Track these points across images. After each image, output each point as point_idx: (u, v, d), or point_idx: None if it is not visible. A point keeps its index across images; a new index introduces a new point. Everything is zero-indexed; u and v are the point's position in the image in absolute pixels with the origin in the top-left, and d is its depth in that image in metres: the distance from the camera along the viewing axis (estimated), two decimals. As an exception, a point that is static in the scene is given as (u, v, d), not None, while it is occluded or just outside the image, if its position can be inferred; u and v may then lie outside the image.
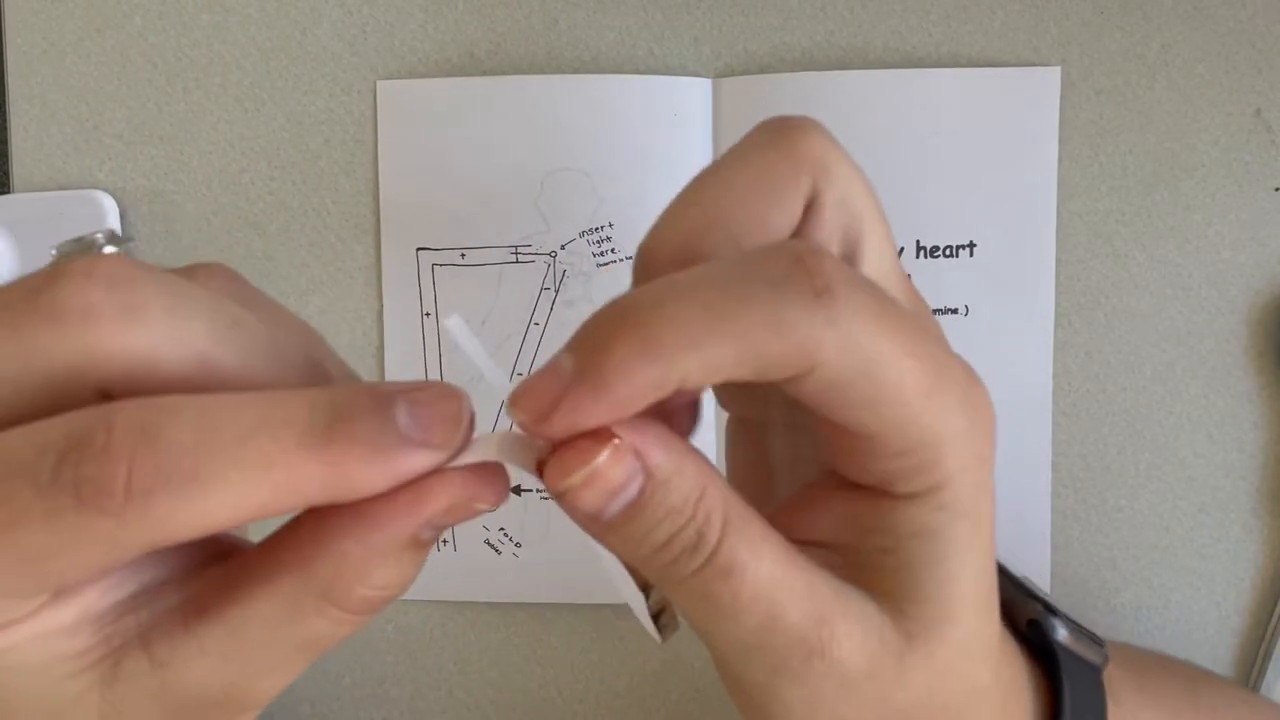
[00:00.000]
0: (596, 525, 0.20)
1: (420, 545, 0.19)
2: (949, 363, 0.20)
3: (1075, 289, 0.44)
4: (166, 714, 0.20)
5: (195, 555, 0.21)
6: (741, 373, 0.19)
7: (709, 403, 0.26)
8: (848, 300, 0.19)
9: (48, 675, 0.19)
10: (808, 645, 0.20)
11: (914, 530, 0.21)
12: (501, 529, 0.45)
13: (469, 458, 0.19)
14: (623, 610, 0.45)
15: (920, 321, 0.20)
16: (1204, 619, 0.45)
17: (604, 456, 0.19)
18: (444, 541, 0.45)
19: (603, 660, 0.46)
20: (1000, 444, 0.45)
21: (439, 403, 0.18)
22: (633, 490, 0.19)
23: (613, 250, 0.44)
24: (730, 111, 0.43)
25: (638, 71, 0.44)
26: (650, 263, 0.22)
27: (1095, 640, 0.29)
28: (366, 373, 0.45)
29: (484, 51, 0.44)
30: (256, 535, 0.21)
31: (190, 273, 0.22)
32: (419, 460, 0.18)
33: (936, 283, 0.43)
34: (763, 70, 0.44)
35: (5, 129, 0.46)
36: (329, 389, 0.18)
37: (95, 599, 0.19)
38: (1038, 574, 0.44)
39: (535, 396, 0.18)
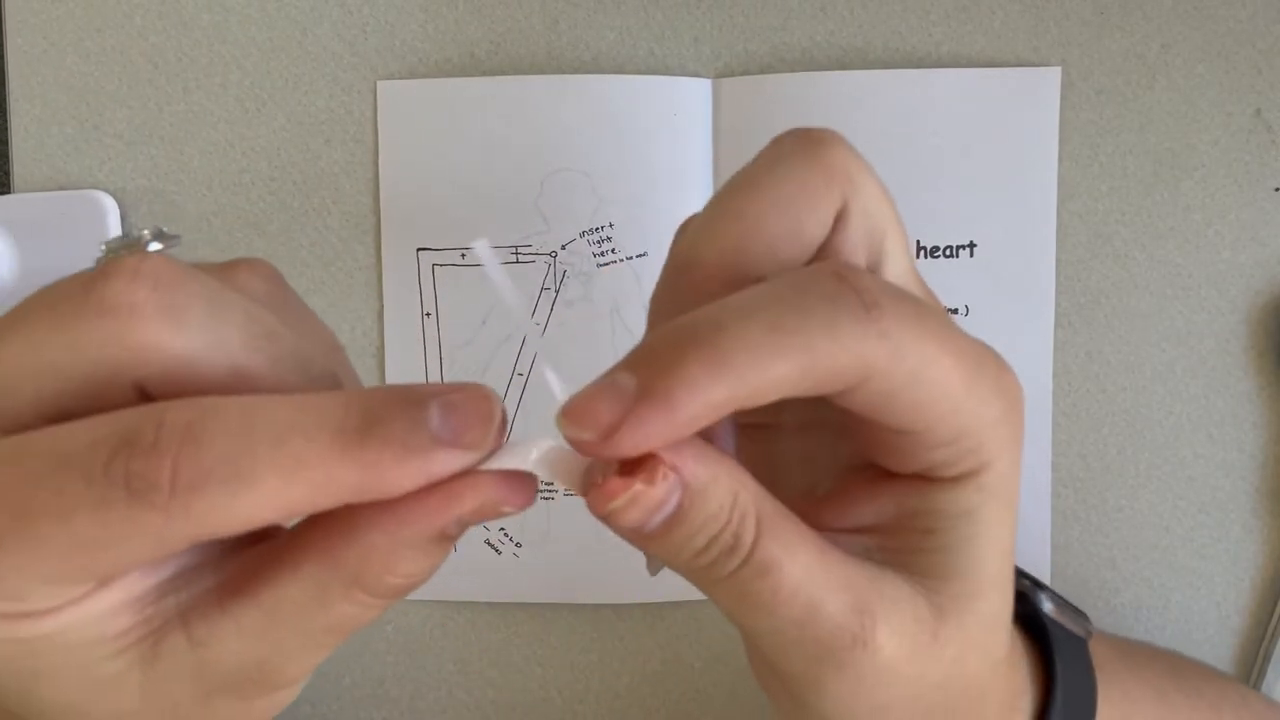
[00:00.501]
0: (637, 536, 0.20)
1: (446, 538, 0.20)
2: (981, 353, 0.21)
3: (1075, 289, 0.44)
4: (204, 691, 0.20)
5: (231, 539, 0.21)
6: (801, 388, 0.19)
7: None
8: (894, 312, 0.20)
9: (93, 654, 0.20)
10: (849, 634, 0.21)
11: (956, 511, 0.22)
12: (502, 529, 0.45)
13: (505, 462, 0.20)
14: (623, 610, 0.45)
15: (948, 318, 0.21)
16: (1204, 619, 0.45)
17: (638, 486, 0.19)
18: (444, 541, 0.45)
19: (603, 660, 0.46)
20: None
21: (471, 405, 0.19)
22: (672, 504, 0.20)
23: (613, 250, 0.44)
24: (730, 111, 0.43)
25: (638, 71, 0.44)
26: (694, 269, 0.22)
27: (1079, 613, 0.30)
28: (366, 372, 0.45)
29: (484, 51, 0.44)
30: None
31: (233, 268, 0.23)
32: (450, 461, 0.19)
33: (936, 283, 0.43)
34: (763, 70, 0.44)
35: (5, 129, 0.46)
36: (364, 391, 0.19)
37: (137, 581, 0.20)
38: (1038, 574, 0.44)
39: (596, 414, 0.18)
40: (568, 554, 0.44)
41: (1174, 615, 0.45)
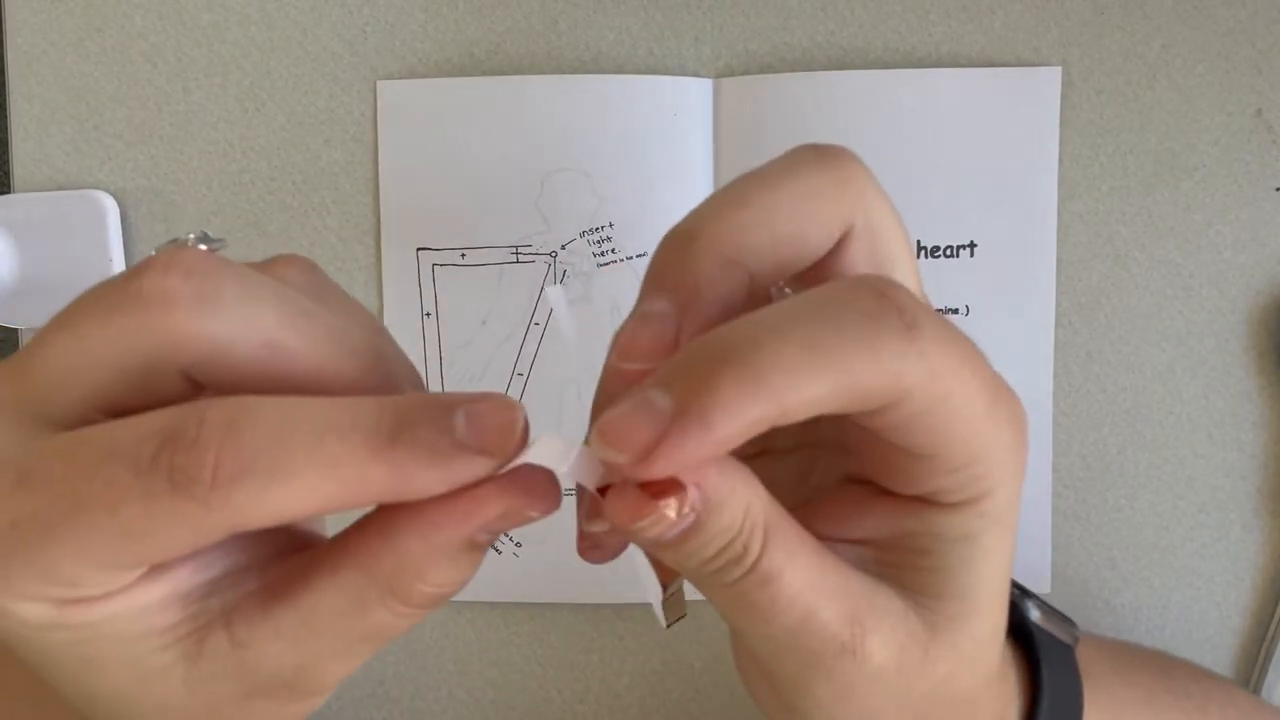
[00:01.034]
0: (652, 546, 0.21)
1: (476, 547, 0.21)
2: (998, 382, 0.21)
3: (1075, 289, 0.44)
4: (243, 691, 0.21)
5: (275, 544, 0.22)
6: (835, 406, 0.19)
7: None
8: (933, 334, 0.20)
9: (140, 646, 0.21)
10: (840, 642, 0.21)
11: (955, 536, 0.22)
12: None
13: (530, 457, 0.20)
14: (623, 610, 0.45)
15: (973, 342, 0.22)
16: (1204, 619, 0.45)
17: (660, 510, 0.19)
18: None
19: (603, 660, 0.46)
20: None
21: (496, 413, 0.20)
22: (690, 518, 0.20)
23: (613, 250, 0.44)
24: (730, 111, 0.43)
25: (638, 71, 0.44)
26: (693, 241, 0.22)
27: (1066, 620, 0.30)
28: (366, 373, 0.45)
29: (484, 51, 0.44)
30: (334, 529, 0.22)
31: (269, 265, 0.24)
32: (475, 466, 0.20)
33: (936, 283, 0.43)
34: (763, 70, 0.44)
35: (5, 129, 0.46)
36: (395, 398, 0.20)
37: (185, 579, 0.21)
38: (1038, 574, 0.44)
39: (631, 435, 0.19)
40: (568, 554, 0.44)
41: (1174, 615, 0.45)
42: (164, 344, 0.20)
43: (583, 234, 0.44)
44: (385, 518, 0.21)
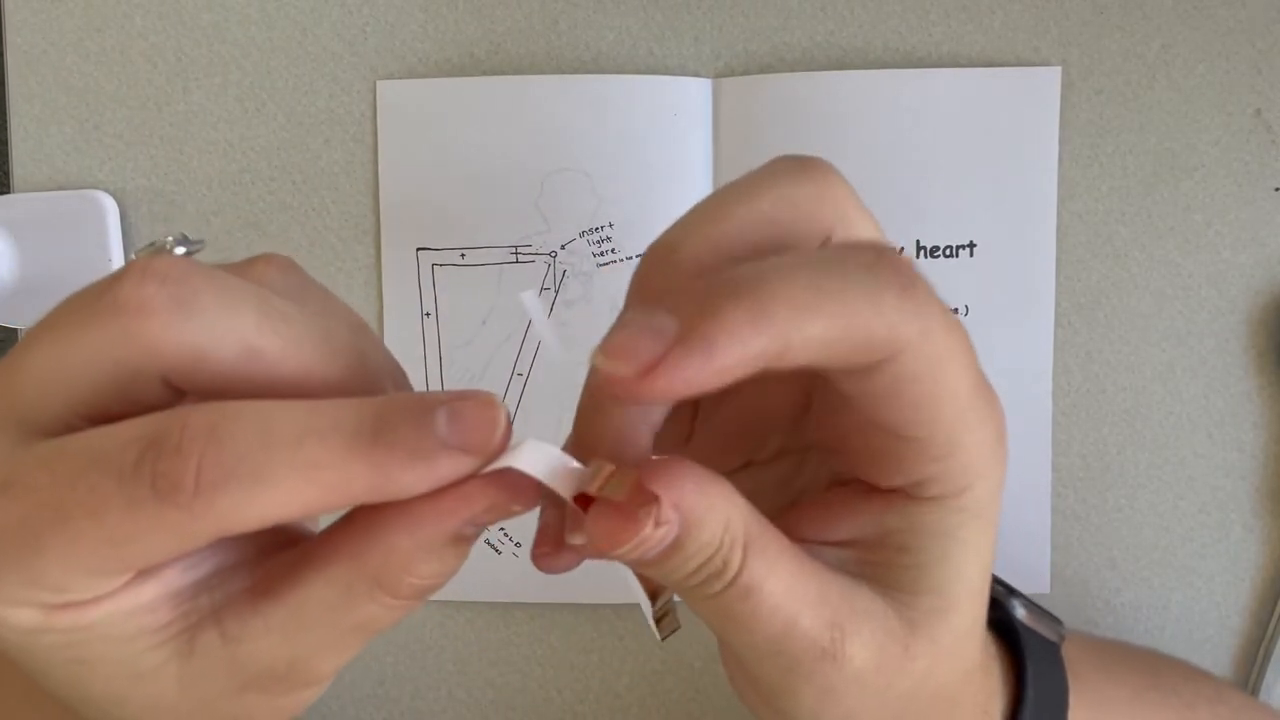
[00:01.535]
0: (633, 564, 0.21)
1: (463, 540, 0.21)
2: (981, 371, 0.22)
3: (1075, 289, 0.44)
4: (236, 685, 0.21)
5: (264, 541, 0.22)
6: (834, 353, 0.19)
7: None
8: (927, 296, 0.20)
9: (132, 646, 0.21)
10: (820, 648, 0.22)
11: (934, 531, 0.22)
12: (501, 529, 0.45)
13: (512, 461, 0.20)
14: (623, 610, 0.45)
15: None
16: (1204, 619, 0.45)
17: (646, 529, 0.20)
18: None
19: (603, 660, 0.46)
20: (1000, 444, 0.45)
21: (477, 411, 0.20)
22: (670, 537, 0.20)
23: (613, 250, 0.44)
24: (730, 111, 0.43)
25: (638, 71, 0.44)
26: (675, 252, 0.22)
27: (1052, 618, 0.30)
28: (366, 373, 0.45)
29: (484, 51, 0.44)
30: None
31: (249, 265, 0.23)
32: (456, 465, 0.20)
33: (936, 283, 0.43)
34: (763, 70, 0.44)
35: (5, 129, 0.46)
36: (376, 399, 0.20)
37: (174, 578, 0.21)
38: (1038, 574, 0.44)
39: (634, 350, 0.19)
40: (568, 554, 0.44)
41: (1174, 615, 0.45)
42: (142, 352, 0.20)
43: (582, 234, 0.44)
44: (371, 513, 0.21)
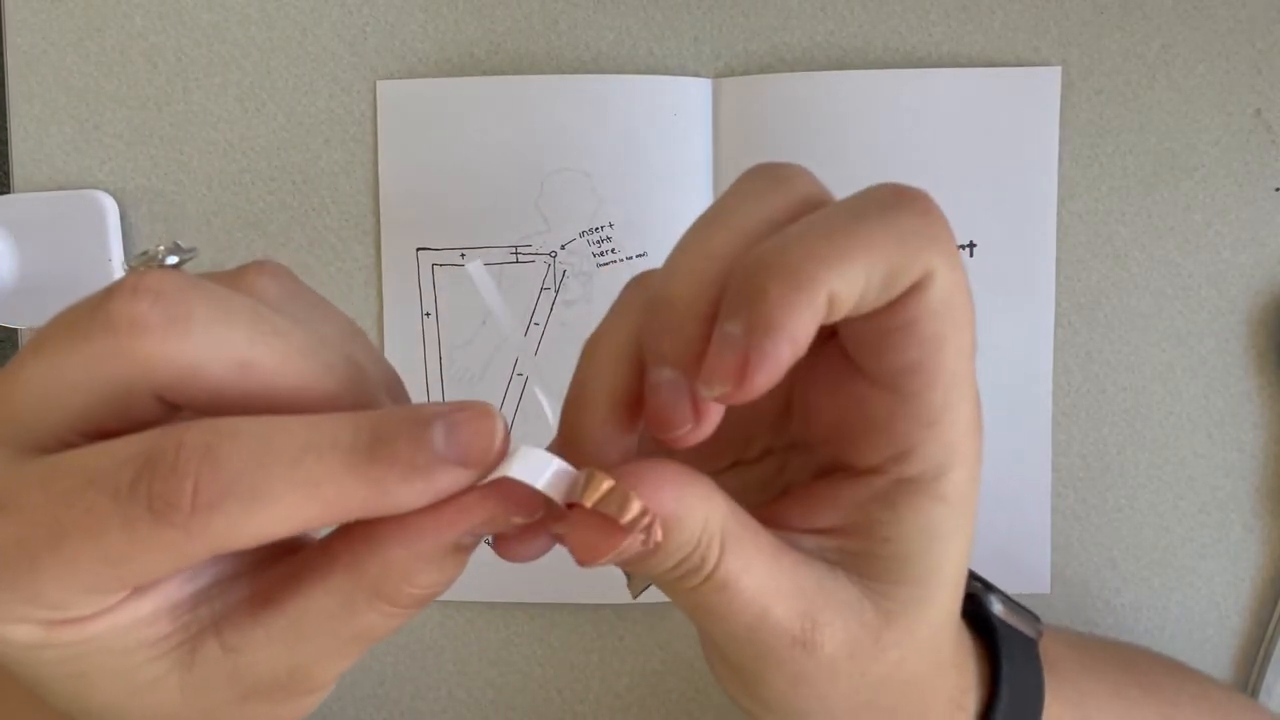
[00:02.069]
0: (614, 564, 0.22)
1: (462, 550, 0.21)
2: (974, 348, 0.23)
3: (1075, 289, 0.44)
4: (238, 694, 0.21)
5: (263, 551, 0.22)
6: (874, 287, 0.20)
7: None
8: (945, 225, 0.22)
9: (133, 658, 0.21)
10: (791, 636, 0.22)
11: (914, 519, 0.23)
12: (501, 529, 0.45)
13: (508, 470, 0.20)
14: (623, 610, 0.45)
15: None
16: (1204, 619, 0.45)
17: (629, 540, 0.20)
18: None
19: (603, 660, 0.46)
20: (1000, 444, 0.45)
21: (474, 423, 0.20)
22: (650, 546, 0.21)
23: (613, 250, 0.44)
24: (730, 111, 0.43)
25: (638, 71, 0.44)
26: (669, 309, 0.22)
27: (1030, 614, 0.31)
28: (366, 373, 0.45)
29: (484, 51, 0.44)
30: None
31: (241, 273, 0.23)
32: (454, 478, 0.20)
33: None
34: (763, 70, 0.44)
35: (5, 129, 0.46)
36: (373, 413, 0.20)
37: (173, 591, 0.21)
38: (1038, 574, 0.44)
39: (726, 369, 0.20)
40: (567, 554, 0.44)
41: (1174, 615, 0.45)
42: (136, 369, 0.19)
43: (583, 234, 0.44)
44: (371, 523, 0.21)
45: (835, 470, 0.24)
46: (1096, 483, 0.44)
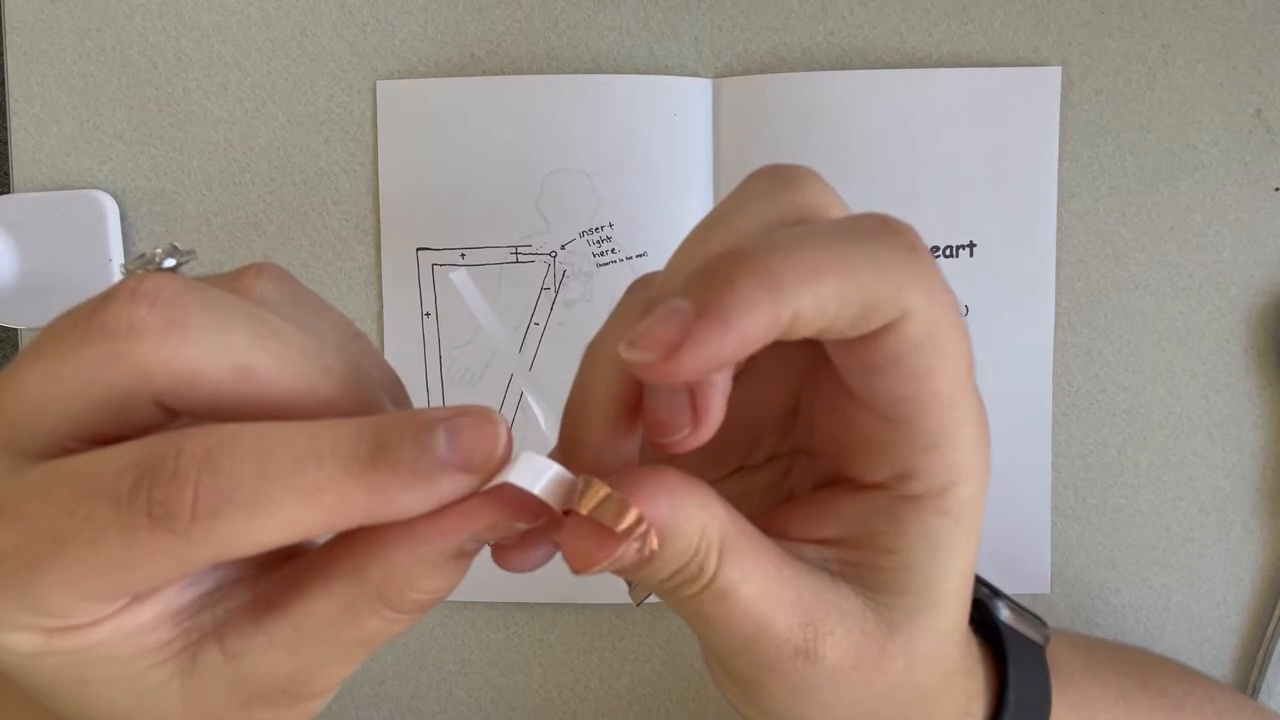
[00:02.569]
0: (610, 573, 0.21)
1: (464, 556, 0.21)
2: (972, 370, 0.22)
3: (1075, 289, 0.44)
4: (240, 700, 0.21)
5: (264, 557, 0.22)
6: (844, 315, 0.20)
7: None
8: (930, 260, 0.21)
9: (134, 665, 0.21)
10: (793, 647, 0.22)
11: (917, 532, 0.23)
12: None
13: (508, 476, 0.20)
14: (623, 610, 0.45)
15: None
16: (1204, 619, 0.45)
17: (623, 547, 0.20)
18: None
19: (603, 660, 0.46)
20: (1000, 444, 0.45)
21: (476, 429, 0.19)
22: (645, 554, 0.21)
23: (613, 250, 0.44)
24: (730, 111, 0.43)
25: (638, 71, 0.44)
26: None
27: (1037, 620, 0.30)
28: (366, 373, 0.45)
29: (484, 51, 0.44)
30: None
31: (239, 276, 0.23)
32: (457, 484, 0.19)
33: (936, 283, 0.43)
34: (763, 70, 0.44)
35: (5, 129, 0.46)
36: (374, 418, 0.20)
37: (174, 597, 0.21)
38: (1038, 574, 0.44)
39: (657, 336, 0.19)
40: (568, 554, 0.44)
41: (1174, 615, 0.45)
42: (134, 375, 0.19)
43: (583, 234, 0.44)
44: (374, 528, 0.21)
45: (838, 481, 0.24)
46: (1096, 483, 0.44)
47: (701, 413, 0.22)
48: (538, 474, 0.20)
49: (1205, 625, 0.45)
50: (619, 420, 0.23)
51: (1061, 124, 0.43)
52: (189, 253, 0.23)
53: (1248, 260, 0.43)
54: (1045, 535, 0.44)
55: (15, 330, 0.46)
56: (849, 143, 0.43)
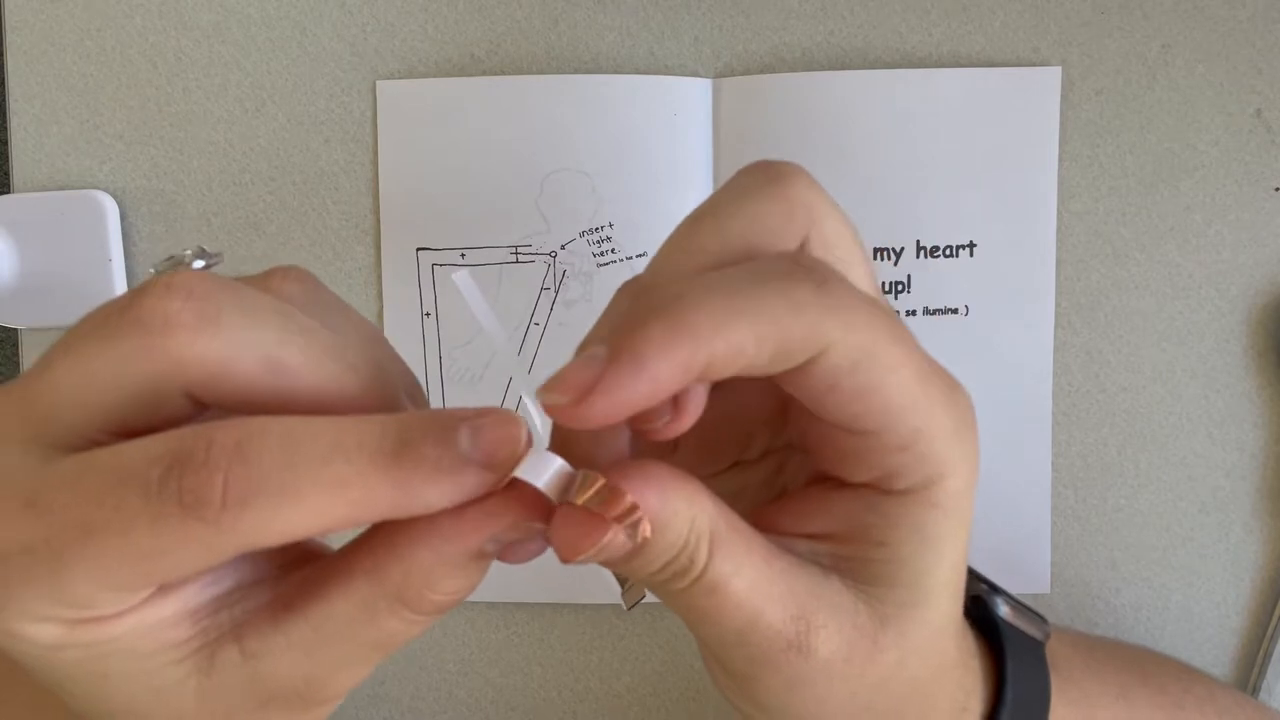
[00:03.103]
0: (603, 564, 0.22)
1: (484, 556, 0.21)
2: (933, 364, 0.22)
3: (1075, 289, 0.44)
4: (256, 701, 0.22)
5: (284, 557, 0.23)
6: (761, 355, 0.20)
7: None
8: (845, 291, 0.21)
9: (153, 661, 0.21)
10: (785, 640, 0.22)
11: (907, 526, 0.23)
12: (501, 529, 0.45)
13: (520, 471, 0.21)
14: (623, 610, 0.45)
15: (902, 322, 0.23)
16: (1204, 619, 0.45)
17: (611, 533, 0.20)
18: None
19: (603, 660, 0.46)
20: (1000, 444, 0.45)
21: (499, 428, 0.20)
22: (633, 545, 0.21)
23: (613, 250, 0.44)
24: (730, 111, 0.43)
25: (638, 71, 0.44)
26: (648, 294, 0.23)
27: (1037, 616, 0.30)
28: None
29: (484, 51, 0.44)
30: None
31: (267, 276, 0.24)
32: (478, 480, 0.20)
33: (936, 283, 0.43)
34: (763, 70, 0.44)
35: (5, 129, 0.46)
36: (399, 415, 0.20)
37: (194, 595, 0.21)
38: (1038, 574, 0.44)
39: (572, 380, 0.20)
40: (568, 554, 0.44)
41: (1174, 615, 0.45)
42: (167, 367, 0.20)
43: (583, 234, 0.44)
44: (393, 528, 0.21)
45: (828, 478, 0.24)
46: (1096, 483, 0.44)
47: (681, 401, 0.22)
48: (544, 469, 0.21)
49: (1205, 625, 0.45)
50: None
51: (1061, 124, 0.43)
52: (217, 255, 0.24)
53: (1248, 260, 0.43)
54: (1045, 535, 0.44)
55: (15, 330, 0.46)
56: (849, 143, 0.43)
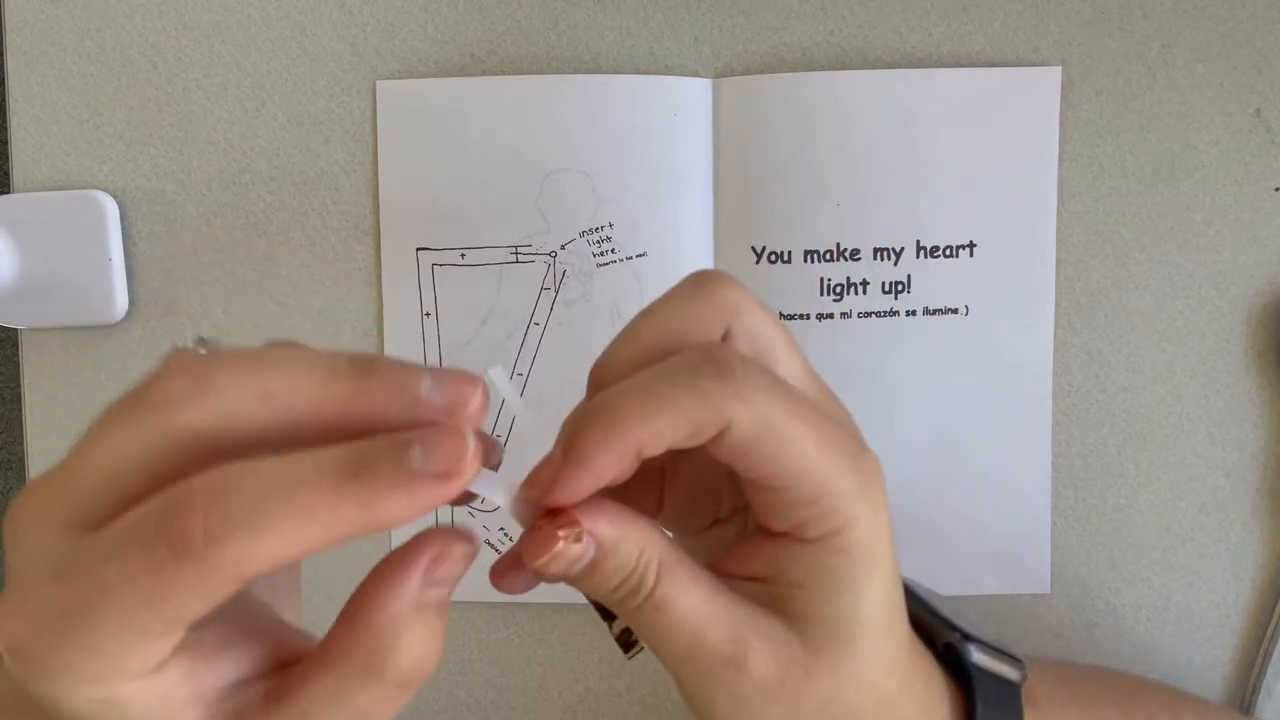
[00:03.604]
0: (565, 579, 0.26)
1: (427, 608, 0.23)
2: (836, 433, 0.26)
3: (1075, 289, 0.44)
4: None
5: (279, 656, 0.25)
6: (680, 436, 0.25)
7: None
8: (746, 377, 0.25)
9: None
10: (724, 658, 0.26)
11: (819, 568, 0.26)
12: (502, 529, 0.45)
13: (483, 489, 0.25)
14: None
15: (820, 405, 0.27)
16: (1204, 619, 0.45)
17: (562, 543, 0.25)
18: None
19: (603, 660, 0.46)
20: (1000, 444, 0.45)
21: (446, 441, 0.22)
22: (588, 557, 0.25)
23: (613, 250, 0.44)
24: (730, 111, 0.43)
25: (638, 71, 0.44)
26: (604, 380, 0.27)
27: (1014, 659, 0.33)
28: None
29: (484, 51, 0.44)
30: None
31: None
32: (434, 490, 0.22)
33: (936, 283, 0.43)
34: (763, 70, 0.44)
35: (5, 129, 0.46)
36: (357, 442, 0.22)
37: (208, 682, 0.24)
38: (1038, 574, 0.44)
39: (539, 479, 0.25)
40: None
41: (1174, 615, 0.45)
42: (176, 432, 0.22)
43: (583, 234, 0.44)
44: (353, 604, 0.24)
45: (761, 529, 0.28)
46: (1096, 483, 0.44)
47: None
48: (493, 481, 0.25)
49: (1205, 625, 0.45)
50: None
51: (1061, 124, 0.43)
52: (215, 341, 0.25)
53: (1248, 260, 0.43)
54: (1045, 535, 0.44)
55: (15, 330, 0.46)
56: (849, 143, 0.43)
